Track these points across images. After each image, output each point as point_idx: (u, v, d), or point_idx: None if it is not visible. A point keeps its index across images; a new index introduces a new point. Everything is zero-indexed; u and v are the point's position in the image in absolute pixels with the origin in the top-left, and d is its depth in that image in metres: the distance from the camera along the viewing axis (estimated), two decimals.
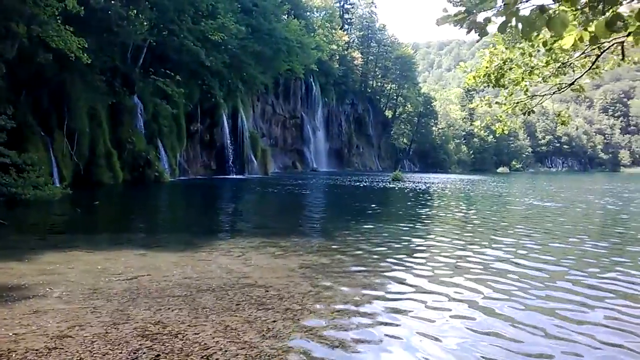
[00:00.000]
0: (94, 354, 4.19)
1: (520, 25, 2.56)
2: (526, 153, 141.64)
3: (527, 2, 2.58)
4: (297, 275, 7.18)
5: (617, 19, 2.77)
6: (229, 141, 41.32)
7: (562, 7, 2.59)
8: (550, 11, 2.60)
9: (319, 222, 14.78)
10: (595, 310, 5.84)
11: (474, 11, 2.51)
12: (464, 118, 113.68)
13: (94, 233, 11.62)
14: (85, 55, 21.47)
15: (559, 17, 2.58)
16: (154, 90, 32.64)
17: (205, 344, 4.48)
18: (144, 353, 4.23)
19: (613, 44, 6.45)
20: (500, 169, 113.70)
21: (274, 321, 5.12)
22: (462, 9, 2.57)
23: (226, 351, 4.32)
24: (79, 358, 4.10)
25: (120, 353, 4.22)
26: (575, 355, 4.57)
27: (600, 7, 2.64)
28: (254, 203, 21.61)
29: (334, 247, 9.68)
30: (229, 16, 38.13)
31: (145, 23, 31.31)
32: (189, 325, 4.94)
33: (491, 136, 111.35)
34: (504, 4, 2.49)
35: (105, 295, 5.94)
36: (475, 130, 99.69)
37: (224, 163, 40.93)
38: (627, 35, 5.39)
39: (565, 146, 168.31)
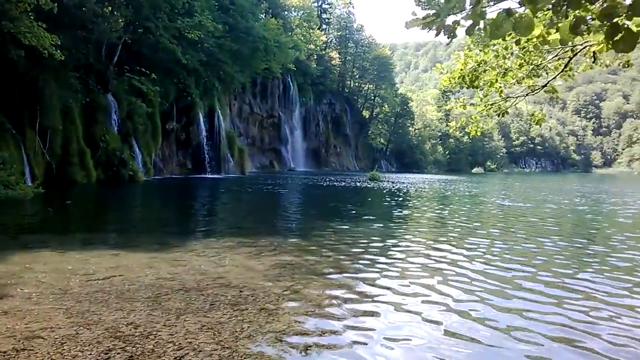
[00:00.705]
0: (64, 355, 4.13)
1: (487, 28, 2.61)
2: (500, 154, 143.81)
3: (494, 5, 2.62)
4: (273, 275, 7.17)
5: (581, 22, 2.84)
6: (205, 140, 40.95)
7: (527, 10, 2.64)
8: (517, 14, 2.65)
9: (295, 222, 14.78)
10: (563, 312, 5.96)
11: (443, 14, 2.55)
12: (440, 119, 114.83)
13: (66, 233, 11.41)
14: (59, 52, 21.05)
15: (524, 20, 2.63)
16: (128, 89, 32.15)
17: (178, 344, 4.45)
18: (116, 354, 4.18)
19: (585, 47, 6.60)
20: (475, 170, 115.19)
21: (249, 321, 5.11)
22: (431, 12, 2.61)
23: (200, 351, 4.30)
24: (49, 359, 4.03)
25: (91, 354, 4.16)
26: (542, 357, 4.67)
27: (563, 10, 2.70)
28: (230, 203, 21.48)
29: (309, 247, 9.69)
30: (206, 14, 37.78)
31: (120, 20, 30.87)
32: (162, 326, 4.90)
33: (466, 137, 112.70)
34: (472, 7, 2.53)
35: (77, 296, 5.84)
36: (451, 131, 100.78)
37: (200, 162, 40.55)
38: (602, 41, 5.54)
39: (538, 147, 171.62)
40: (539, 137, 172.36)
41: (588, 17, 3.16)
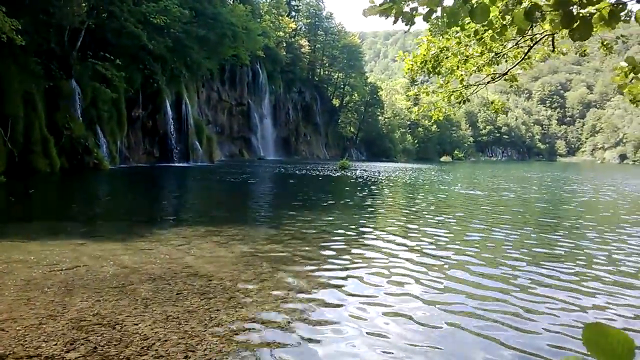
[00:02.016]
0: (26, 347, 4.06)
1: (444, 15, 2.65)
2: (468, 143, 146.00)
3: None
4: (241, 263, 7.17)
5: (535, 9, 2.91)
6: (172, 128, 40.32)
7: None
8: (473, 1, 2.71)
9: (265, 211, 14.76)
10: (511, 297, 6.17)
11: (400, 1, 2.57)
12: (409, 108, 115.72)
13: (29, 222, 11.12)
14: (19, 37, 20.36)
15: (480, 7, 2.69)
16: (92, 75, 31.34)
17: (144, 334, 4.43)
18: (81, 345, 4.14)
19: (544, 36, 6.76)
20: (443, 158, 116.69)
21: (217, 310, 5.11)
22: None
23: (166, 341, 4.29)
24: (11, 352, 3.97)
25: (55, 345, 4.11)
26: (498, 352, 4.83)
27: None
28: (198, 191, 21.28)
29: (279, 236, 9.71)
30: None
31: (83, 4, 29.99)
32: (127, 316, 4.86)
33: (435, 126, 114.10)
34: None
35: (40, 286, 5.74)
36: (413, 116, 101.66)
37: (167, 150, 39.95)
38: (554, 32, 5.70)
39: (505, 136, 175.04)
40: (505, 126, 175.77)
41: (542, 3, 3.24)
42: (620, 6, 3.25)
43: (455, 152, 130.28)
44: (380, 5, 2.63)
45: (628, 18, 3.76)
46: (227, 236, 9.33)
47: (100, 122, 31.44)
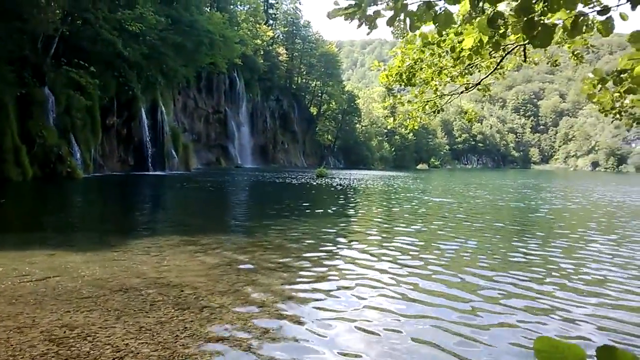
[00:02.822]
0: None
1: (408, 20, 2.69)
2: (444, 151, 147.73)
3: None
4: (216, 273, 7.12)
5: (498, 17, 2.98)
6: (147, 136, 39.86)
7: (447, 4, 2.75)
8: (437, 7, 2.75)
9: (241, 220, 14.69)
10: (481, 306, 6.26)
11: (364, 5, 2.59)
12: (386, 116, 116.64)
13: None
14: None
15: (443, 14, 2.75)
16: (66, 82, 30.84)
17: (116, 346, 4.37)
18: (51, 358, 4.07)
19: (516, 46, 6.91)
20: (420, 166, 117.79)
21: (191, 321, 5.07)
22: (353, 2, 2.64)
23: (138, 353, 4.24)
24: None
25: (24, 359, 4.02)
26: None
27: (481, 4, 2.82)
28: (173, 200, 21.07)
29: (254, 244, 9.68)
30: (148, 6, 36.79)
31: (57, 11, 29.55)
32: (99, 328, 4.78)
33: (411, 134, 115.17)
34: None
35: (9, 298, 5.61)
36: (389, 126, 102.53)
37: (142, 159, 39.47)
38: (526, 43, 5.84)
39: (480, 144, 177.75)
40: (480, 134, 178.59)
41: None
42: (583, 17, 3.35)
43: (432, 160, 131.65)
44: (345, 8, 2.65)
45: (590, 29, 3.86)
46: (202, 246, 9.25)
47: (74, 130, 30.90)
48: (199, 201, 20.87)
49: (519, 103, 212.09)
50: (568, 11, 3.21)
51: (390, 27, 2.76)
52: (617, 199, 26.74)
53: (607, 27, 3.32)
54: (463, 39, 5.21)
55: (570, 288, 6.99)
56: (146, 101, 40.41)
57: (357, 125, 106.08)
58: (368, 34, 3.04)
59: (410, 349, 4.65)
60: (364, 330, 5.08)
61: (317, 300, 6.09)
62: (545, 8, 2.83)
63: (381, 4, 2.65)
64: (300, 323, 5.20)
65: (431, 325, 5.29)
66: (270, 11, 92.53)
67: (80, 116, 31.36)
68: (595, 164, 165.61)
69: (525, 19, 2.82)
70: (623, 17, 3.61)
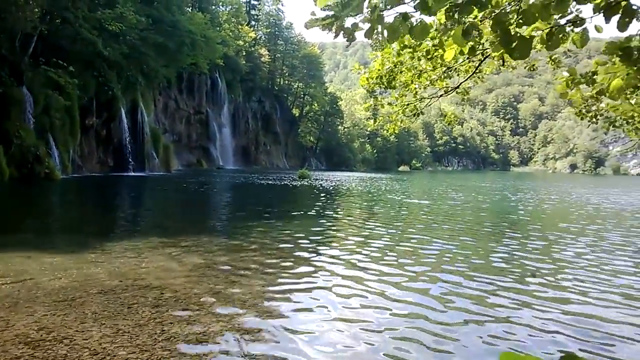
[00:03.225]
0: None
1: (385, 32, 2.71)
2: (425, 153, 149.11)
3: (391, 9, 2.73)
4: (196, 275, 7.07)
5: (473, 28, 3.02)
6: (127, 136, 39.43)
7: (422, 16, 2.78)
8: (413, 19, 2.78)
9: (221, 221, 14.61)
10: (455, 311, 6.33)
11: (341, 17, 2.61)
12: (368, 118, 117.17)
13: None
14: None
15: (420, 25, 2.78)
16: (45, 81, 30.34)
17: (93, 349, 4.31)
18: None
19: (494, 52, 7.02)
20: (401, 168, 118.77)
21: (170, 323, 5.02)
22: (330, 13, 2.66)
23: (115, 356, 4.19)
24: None
25: None
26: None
27: (456, 16, 2.85)
28: (153, 202, 20.87)
29: (235, 246, 9.63)
30: (129, 5, 36.43)
31: (36, 10, 29.08)
32: (76, 331, 4.72)
33: (393, 136, 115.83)
34: (369, 11, 2.61)
35: None
36: (369, 129, 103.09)
37: (122, 160, 39.02)
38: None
39: (460, 146, 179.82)
40: (461, 136, 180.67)
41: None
42: (557, 28, 3.42)
43: (413, 161, 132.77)
44: (322, 19, 2.66)
45: (565, 40, 3.93)
46: (181, 247, 9.18)
47: (53, 130, 30.40)
48: (179, 203, 20.71)
49: (498, 106, 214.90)
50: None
51: (368, 39, 2.78)
52: (594, 200, 27.23)
53: (582, 39, 3.40)
54: (438, 43, 5.28)
55: (542, 291, 7.09)
56: (126, 101, 39.98)
57: (340, 127, 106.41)
58: (347, 46, 3.06)
59: (389, 347, 4.68)
60: (345, 331, 5.09)
61: (297, 301, 6.08)
62: (520, 21, 2.87)
63: (359, 16, 2.66)
64: (281, 324, 5.20)
65: (408, 323, 5.33)
66: (253, 12, 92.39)
67: (58, 116, 30.87)
68: (573, 167, 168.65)
69: (503, 33, 2.86)
70: (598, 29, 3.65)
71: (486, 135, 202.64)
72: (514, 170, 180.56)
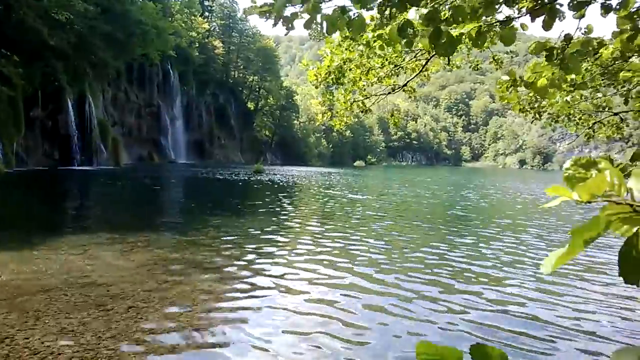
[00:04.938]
0: None
1: (324, 23, 2.78)
2: (380, 148, 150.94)
3: (329, 1, 2.79)
4: (143, 272, 7.00)
5: (408, 26, 3.14)
6: (74, 129, 38.05)
7: (361, 10, 2.86)
8: (351, 12, 2.86)
9: (171, 217, 14.42)
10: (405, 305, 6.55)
11: (279, 5, 2.63)
12: (323, 113, 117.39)
13: None
14: None
15: (357, 20, 2.86)
16: None
17: (35, 348, 4.24)
18: None
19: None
20: (357, 163, 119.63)
21: (115, 321, 4.98)
22: (269, 1, 2.69)
23: (59, 354, 4.14)
24: None
25: None
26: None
27: (388, 12, 2.94)
28: (100, 197, 20.32)
29: (183, 242, 9.54)
30: None
31: None
32: (17, 330, 4.62)
33: (349, 131, 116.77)
34: (306, 1, 2.65)
35: None
36: (317, 123, 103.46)
37: (69, 153, 37.64)
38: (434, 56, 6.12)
39: (414, 142, 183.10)
40: (415, 132, 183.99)
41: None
42: (487, 27, 3.59)
43: (369, 157, 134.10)
44: (260, 6, 2.69)
45: (494, 39, 4.15)
46: (129, 244, 9.03)
47: None
48: (127, 198, 20.26)
49: (451, 102, 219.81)
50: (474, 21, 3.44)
51: (307, 29, 2.82)
52: (524, 195, 28.40)
53: (509, 37, 3.59)
54: (377, 36, 5.37)
55: (472, 285, 7.42)
56: (73, 93, 38.55)
57: (295, 122, 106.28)
58: (286, 34, 3.09)
59: (336, 346, 4.80)
60: (295, 331, 5.18)
61: (247, 298, 6.13)
62: (451, 18, 3.01)
63: (297, 6, 2.69)
64: (230, 322, 5.23)
65: (359, 322, 5.48)
66: (206, 3, 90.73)
67: (1, 108, 29.49)
68: (522, 162, 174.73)
69: (432, 28, 2.98)
70: (523, 27, 3.94)
71: (439, 131, 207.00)
72: (465, 165, 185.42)
